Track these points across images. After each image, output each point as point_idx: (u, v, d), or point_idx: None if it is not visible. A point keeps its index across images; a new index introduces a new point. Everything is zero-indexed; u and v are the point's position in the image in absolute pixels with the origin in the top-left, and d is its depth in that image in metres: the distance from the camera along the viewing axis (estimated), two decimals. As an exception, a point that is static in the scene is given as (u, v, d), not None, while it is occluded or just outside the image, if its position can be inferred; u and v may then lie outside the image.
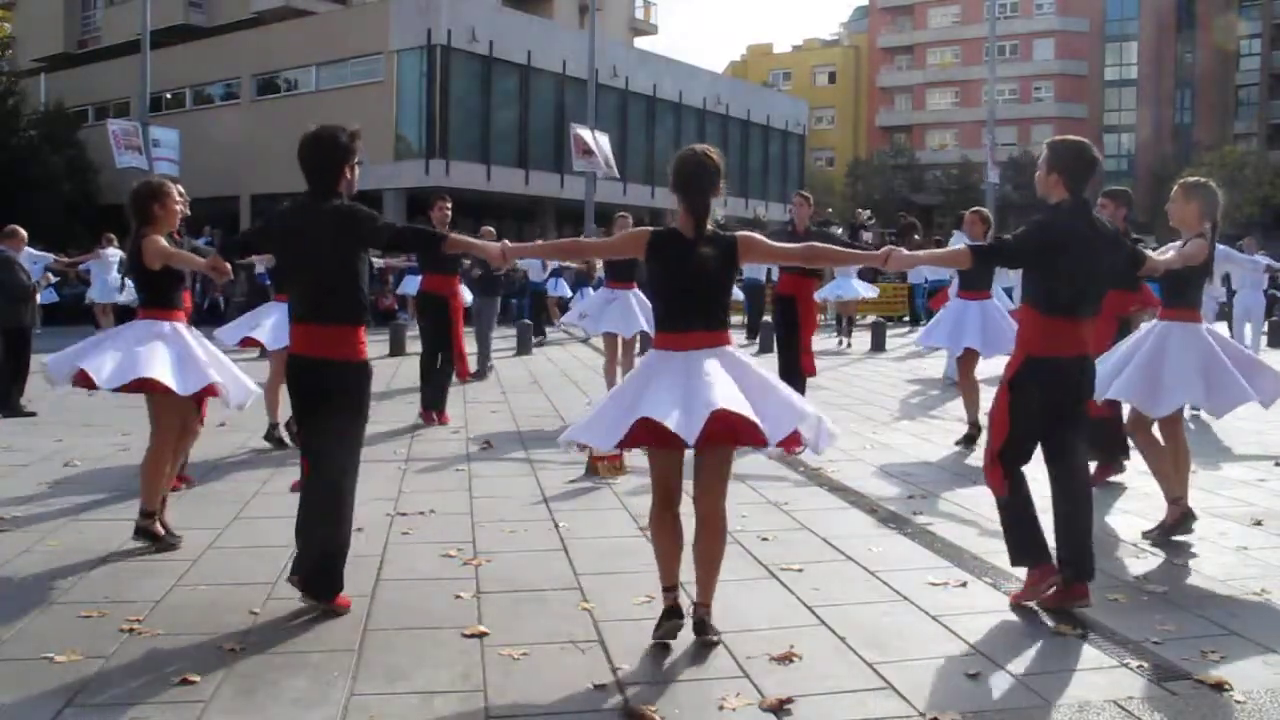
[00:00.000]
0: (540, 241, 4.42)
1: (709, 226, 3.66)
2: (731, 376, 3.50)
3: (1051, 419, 4.11)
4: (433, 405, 8.79)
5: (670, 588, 3.69)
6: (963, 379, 7.96)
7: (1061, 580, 4.00)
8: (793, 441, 3.56)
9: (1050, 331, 4.04)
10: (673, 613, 3.64)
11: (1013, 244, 4.25)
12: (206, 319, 15.76)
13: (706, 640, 3.63)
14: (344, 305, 4.01)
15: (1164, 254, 5.10)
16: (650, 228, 3.87)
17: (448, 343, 8.90)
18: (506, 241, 4.23)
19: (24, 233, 9.92)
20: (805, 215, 8.78)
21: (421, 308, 9.43)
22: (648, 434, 3.43)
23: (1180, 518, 5.00)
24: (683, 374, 3.49)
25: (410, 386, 11.15)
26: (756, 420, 3.37)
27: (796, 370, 8.53)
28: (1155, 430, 5.19)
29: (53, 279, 15.71)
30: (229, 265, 4.93)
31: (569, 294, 18.64)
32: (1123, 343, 5.40)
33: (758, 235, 3.91)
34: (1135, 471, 6.26)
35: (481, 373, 12.00)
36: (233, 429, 7.85)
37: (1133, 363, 5.06)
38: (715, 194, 3.67)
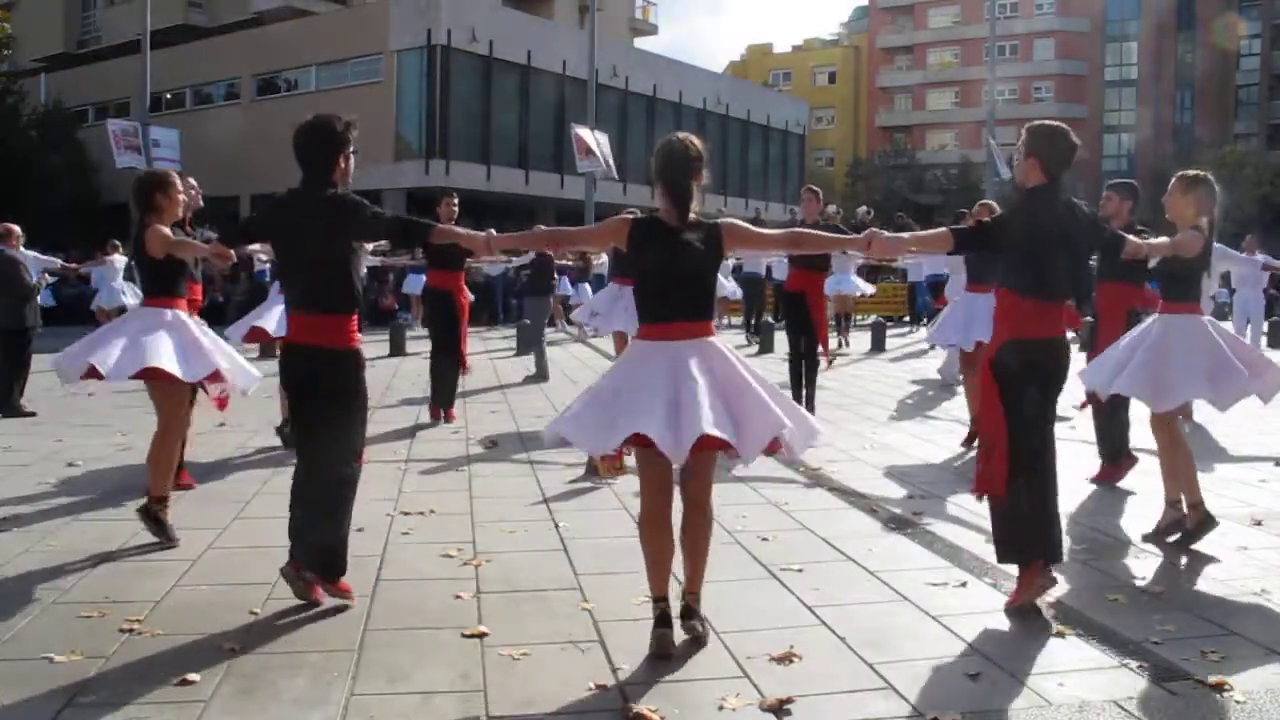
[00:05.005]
0: (524, 233, 4.43)
1: (692, 214, 3.64)
2: (713, 378, 3.47)
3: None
4: (440, 402, 8.80)
5: (660, 598, 3.60)
6: (969, 375, 7.96)
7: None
8: (772, 445, 3.53)
9: (1027, 314, 4.06)
10: (663, 621, 3.57)
11: (991, 227, 4.32)
12: (208, 317, 15.73)
13: (692, 628, 3.59)
14: (336, 294, 4.04)
15: (1155, 241, 5.08)
16: (631, 216, 3.82)
17: (453, 339, 8.80)
18: (492, 231, 4.25)
19: (19, 229, 9.89)
20: (814, 210, 8.83)
21: (427, 305, 9.44)
22: (635, 439, 3.42)
23: (1200, 522, 4.95)
24: (668, 376, 3.45)
25: (410, 386, 11.16)
26: (735, 444, 3.39)
27: (813, 362, 8.59)
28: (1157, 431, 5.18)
29: (50, 280, 15.71)
30: (231, 251, 4.95)
31: (571, 292, 18.63)
32: (1122, 338, 5.39)
33: (741, 222, 3.88)
34: (1136, 472, 6.26)
35: (542, 373, 11.91)
36: (232, 429, 7.85)
37: (1136, 358, 5.04)
38: (697, 180, 3.65)
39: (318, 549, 4.02)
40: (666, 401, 3.39)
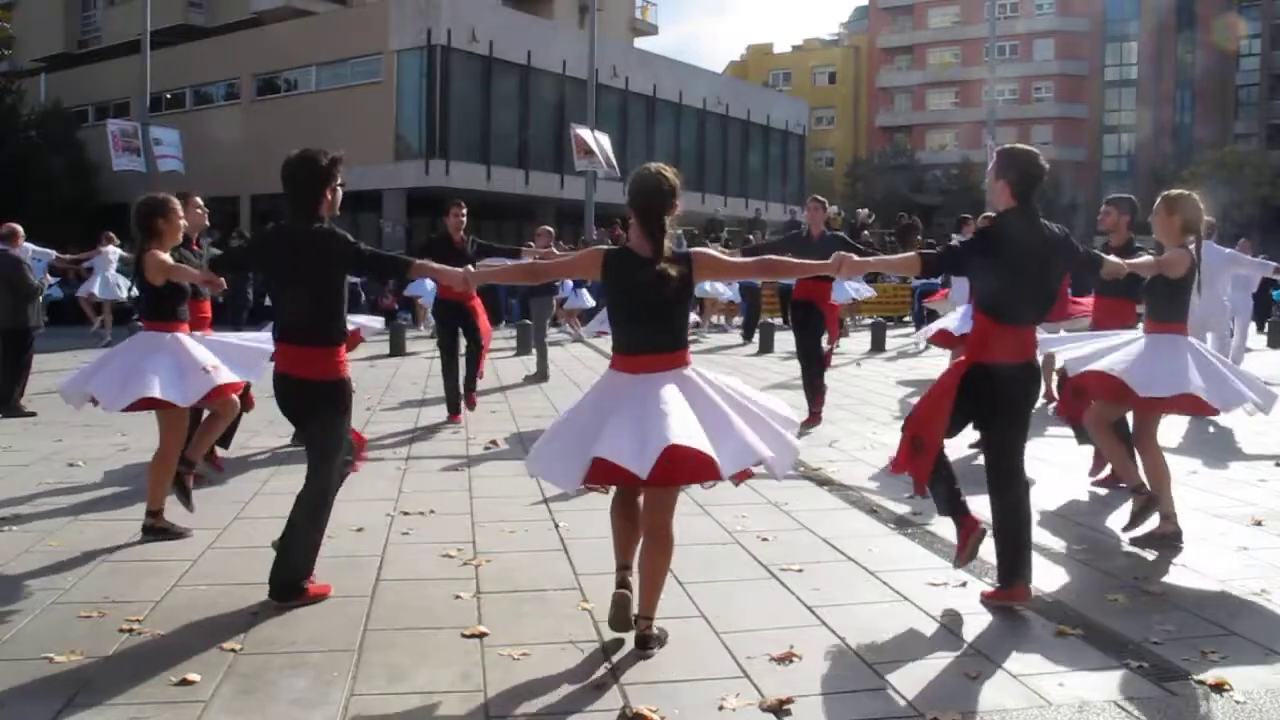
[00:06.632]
0: (501, 267, 4.73)
1: (666, 245, 3.64)
2: (690, 404, 3.45)
3: (994, 425, 4.16)
4: (456, 405, 8.89)
5: (624, 566, 3.74)
6: None
7: (1000, 580, 4.12)
8: (744, 474, 3.56)
9: (998, 338, 4.07)
10: (623, 584, 3.69)
11: (961, 251, 4.36)
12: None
13: (646, 655, 3.57)
14: (321, 328, 4.08)
15: (1138, 261, 5.08)
16: (604, 247, 3.86)
17: (474, 339, 8.91)
18: (470, 268, 4.34)
19: (20, 229, 9.89)
20: (819, 220, 8.75)
21: (440, 316, 9.43)
22: (605, 472, 3.42)
23: (1171, 532, 4.98)
24: (639, 402, 3.44)
25: (410, 386, 11.17)
26: (711, 454, 3.32)
27: (817, 371, 8.59)
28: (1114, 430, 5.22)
29: (52, 279, 15.74)
30: (222, 280, 5.03)
31: (570, 294, 18.58)
32: (1100, 336, 5.36)
33: (712, 251, 3.95)
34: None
35: (542, 373, 11.91)
36: (233, 429, 7.83)
37: (1120, 351, 5.03)
38: (670, 213, 3.66)
39: (289, 561, 4.05)
40: (633, 419, 3.38)
